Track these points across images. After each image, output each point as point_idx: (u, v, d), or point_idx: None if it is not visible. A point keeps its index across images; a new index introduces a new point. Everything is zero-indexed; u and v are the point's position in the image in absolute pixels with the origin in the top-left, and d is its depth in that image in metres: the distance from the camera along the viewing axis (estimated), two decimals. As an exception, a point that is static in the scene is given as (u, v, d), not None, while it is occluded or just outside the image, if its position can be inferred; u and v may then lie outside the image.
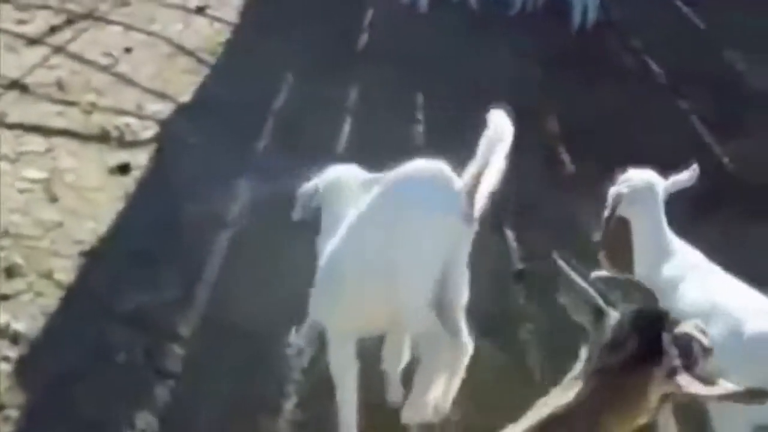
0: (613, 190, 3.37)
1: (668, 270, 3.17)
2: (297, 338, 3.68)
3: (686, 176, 3.31)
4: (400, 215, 2.86)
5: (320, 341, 3.66)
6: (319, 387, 3.43)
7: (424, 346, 3.00)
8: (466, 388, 3.49)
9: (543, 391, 3.53)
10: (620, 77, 6.54)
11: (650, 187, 3.30)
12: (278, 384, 3.47)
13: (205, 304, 3.90)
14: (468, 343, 3.12)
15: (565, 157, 5.41)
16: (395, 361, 3.30)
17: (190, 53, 6.41)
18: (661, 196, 3.30)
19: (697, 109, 6.02)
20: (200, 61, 6.33)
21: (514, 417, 3.40)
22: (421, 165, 2.98)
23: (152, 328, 3.70)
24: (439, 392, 3.11)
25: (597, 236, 4.39)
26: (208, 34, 6.80)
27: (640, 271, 3.23)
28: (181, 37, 6.67)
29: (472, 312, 3.34)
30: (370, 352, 3.31)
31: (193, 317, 3.81)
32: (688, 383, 1.86)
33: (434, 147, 5.19)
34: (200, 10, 7.17)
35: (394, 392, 3.37)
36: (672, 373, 1.88)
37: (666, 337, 1.91)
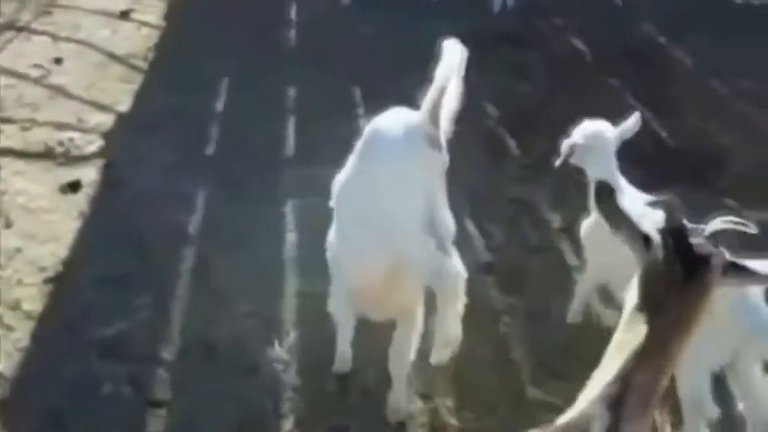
0: (566, 141, 3.47)
1: None
2: (281, 352, 3.56)
3: (632, 122, 3.43)
4: (375, 166, 2.89)
5: (306, 353, 3.56)
6: (316, 402, 3.32)
7: (437, 284, 3.03)
8: (452, 384, 3.44)
9: (529, 383, 3.52)
10: (548, 57, 6.50)
11: (602, 137, 3.43)
12: (273, 403, 3.31)
13: (182, 323, 3.71)
14: (462, 268, 3.22)
15: (510, 142, 5.35)
16: (401, 361, 3.13)
17: (122, 60, 6.15)
18: (613, 145, 3.42)
19: (627, 86, 6.02)
20: (133, 67, 6.07)
21: (503, 412, 3.37)
22: (378, 119, 3.05)
23: (133, 354, 3.50)
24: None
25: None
26: (137, 39, 6.53)
27: (596, 217, 3.31)
28: (109, 44, 6.39)
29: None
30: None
31: (172, 338, 3.61)
32: (747, 273, 1.90)
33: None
34: (125, 15, 6.88)
35: (396, 396, 3.21)
36: (726, 268, 1.89)
37: (703, 242, 1.90)
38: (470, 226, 4.39)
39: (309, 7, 7.34)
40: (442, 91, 2.90)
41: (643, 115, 5.66)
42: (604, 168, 3.38)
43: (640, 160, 4.37)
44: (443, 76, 2.94)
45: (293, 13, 7.29)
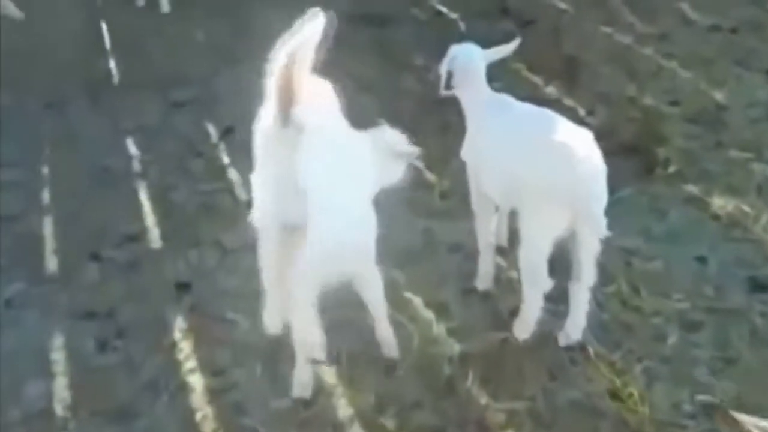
0: (443, 68, 3.20)
1: (502, 126, 3.02)
2: None
3: (512, 46, 3.23)
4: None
5: None
6: None
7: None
8: None
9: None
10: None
11: (471, 57, 3.20)
12: None
13: None
14: None
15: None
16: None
17: None
18: (483, 66, 3.19)
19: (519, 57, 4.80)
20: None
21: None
22: None
23: None
24: None
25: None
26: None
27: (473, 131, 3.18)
28: None
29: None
30: None
31: None
32: None
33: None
34: None
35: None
36: None
37: None
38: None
39: (124, 24, 5.86)
40: (290, 66, 2.55)
41: (546, 92, 4.64)
42: (476, 89, 3.16)
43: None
44: (297, 42, 2.57)
45: (107, 33, 5.78)
